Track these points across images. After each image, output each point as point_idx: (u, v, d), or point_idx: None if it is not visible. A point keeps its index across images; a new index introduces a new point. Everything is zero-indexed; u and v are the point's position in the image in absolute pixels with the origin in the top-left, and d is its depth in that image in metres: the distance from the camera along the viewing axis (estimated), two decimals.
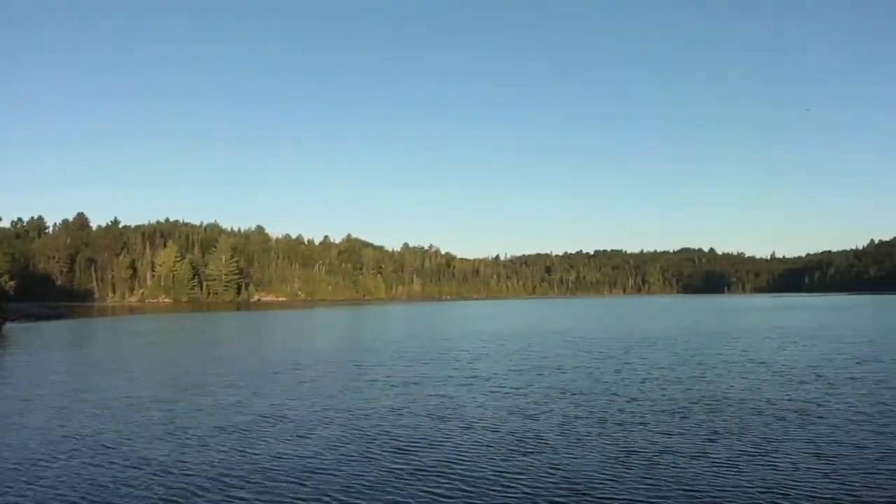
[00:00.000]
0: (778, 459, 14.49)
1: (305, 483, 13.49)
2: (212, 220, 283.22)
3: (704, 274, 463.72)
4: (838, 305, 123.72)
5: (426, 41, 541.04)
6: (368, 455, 15.52)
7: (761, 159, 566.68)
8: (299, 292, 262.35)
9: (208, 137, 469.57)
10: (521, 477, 13.63)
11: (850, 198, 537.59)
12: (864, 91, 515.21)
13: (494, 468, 14.29)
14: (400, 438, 17.09)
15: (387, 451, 15.84)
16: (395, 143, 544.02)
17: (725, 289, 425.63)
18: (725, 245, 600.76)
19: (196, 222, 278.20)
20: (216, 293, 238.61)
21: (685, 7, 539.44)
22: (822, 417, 18.69)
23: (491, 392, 24.45)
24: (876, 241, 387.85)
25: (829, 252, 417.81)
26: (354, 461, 15.03)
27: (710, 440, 16.29)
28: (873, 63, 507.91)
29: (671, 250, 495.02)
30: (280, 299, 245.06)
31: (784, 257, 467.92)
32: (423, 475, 13.88)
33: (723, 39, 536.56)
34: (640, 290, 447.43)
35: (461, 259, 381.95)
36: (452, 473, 13.97)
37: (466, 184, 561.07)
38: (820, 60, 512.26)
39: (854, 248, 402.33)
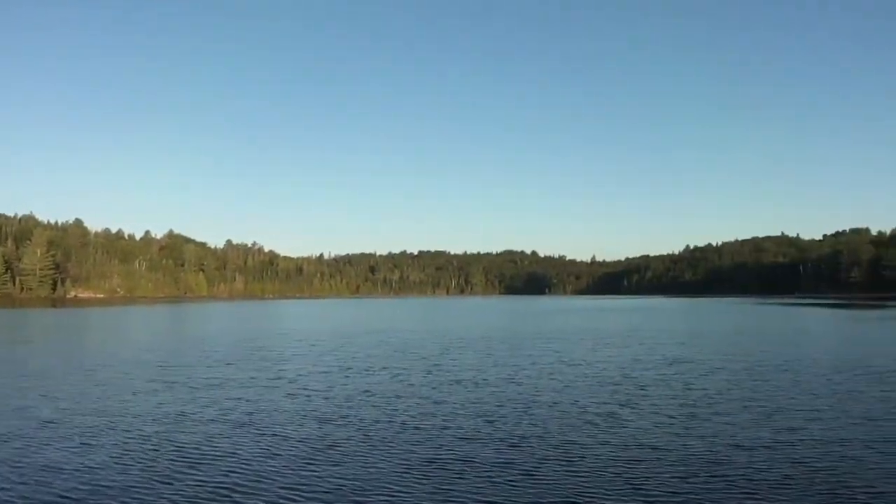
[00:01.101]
0: (580, 465, 14.04)
1: (73, 496, 12.22)
2: (27, 212, 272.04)
3: (526, 275, 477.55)
4: (654, 307, 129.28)
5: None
6: (148, 466, 14.15)
7: (581, 166, 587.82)
8: (118, 289, 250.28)
9: (23, 125, 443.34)
10: (304, 489, 12.58)
11: (669, 205, 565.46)
12: (678, 100, 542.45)
13: (279, 480, 13.15)
14: (185, 447, 15.75)
15: (168, 461, 14.53)
16: (218, 137, 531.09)
17: (547, 290, 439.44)
18: (548, 248, 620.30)
19: (10, 214, 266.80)
20: (30, 289, 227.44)
21: None
22: (628, 420, 18.56)
23: (291, 395, 23.25)
24: (691, 247, 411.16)
25: (648, 256, 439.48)
26: (132, 473, 13.66)
27: (515, 446, 15.70)
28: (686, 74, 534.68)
29: (494, 252, 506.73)
30: (98, 296, 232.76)
31: (604, 261, 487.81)
32: (201, 487, 12.66)
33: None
34: (463, 291, 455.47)
35: (285, 257, 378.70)
36: (233, 485, 12.79)
37: (290, 181, 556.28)
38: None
39: (671, 252, 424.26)
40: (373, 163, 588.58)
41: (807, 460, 14.30)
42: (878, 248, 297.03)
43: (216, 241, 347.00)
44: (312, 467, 14.07)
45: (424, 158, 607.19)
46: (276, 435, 16.98)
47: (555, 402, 21.41)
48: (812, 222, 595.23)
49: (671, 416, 18.96)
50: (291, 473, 13.62)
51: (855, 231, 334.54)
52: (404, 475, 13.50)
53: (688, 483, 12.80)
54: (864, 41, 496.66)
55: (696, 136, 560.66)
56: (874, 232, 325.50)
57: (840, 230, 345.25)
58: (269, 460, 14.66)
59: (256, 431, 17.41)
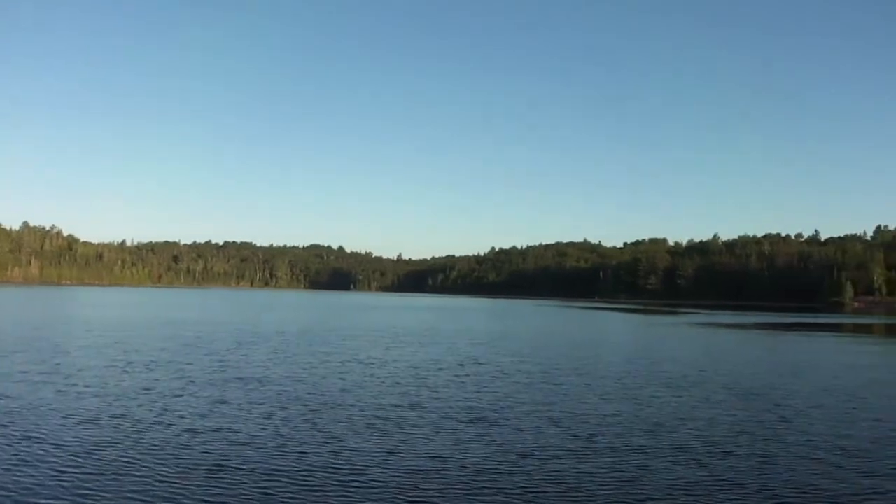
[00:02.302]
0: (357, 475, 13.05)
1: None
2: None
3: (332, 271, 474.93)
4: (455, 307, 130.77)
5: None
6: None
7: (388, 164, 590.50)
8: None
9: None
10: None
11: (475, 207, 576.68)
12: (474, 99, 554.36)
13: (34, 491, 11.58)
14: None
15: None
16: (17, 113, 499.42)
17: (352, 286, 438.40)
18: (354, 244, 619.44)
19: None
20: None
21: None
22: (414, 425, 17.75)
23: (61, 391, 21.30)
24: (496, 249, 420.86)
25: (453, 256, 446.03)
26: None
27: (290, 452, 14.54)
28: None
29: (301, 246, 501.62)
30: None
31: (410, 259, 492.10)
32: None
33: None
34: (267, 284, 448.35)
35: (84, 243, 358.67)
36: None
37: (91, 160, 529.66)
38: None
39: (476, 254, 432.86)
40: (178, 149, 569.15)
41: (596, 470, 13.91)
42: (673, 258, 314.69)
43: (12, 223, 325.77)
44: (69, 476, 12.47)
45: (230, 149, 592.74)
46: (32, 438, 15.09)
47: (340, 404, 20.36)
48: (614, 230, 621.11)
49: (460, 422, 18.27)
50: (40, 484, 11.96)
51: (653, 241, 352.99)
52: (171, 483, 12.16)
53: (469, 497, 12.03)
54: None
55: (498, 141, 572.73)
56: (671, 242, 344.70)
57: (639, 239, 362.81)
58: (23, 468, 12.88)
59: (14, 435, 15.42)
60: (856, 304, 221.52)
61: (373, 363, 31.55)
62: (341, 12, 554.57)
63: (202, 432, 16.18)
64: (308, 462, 13.94)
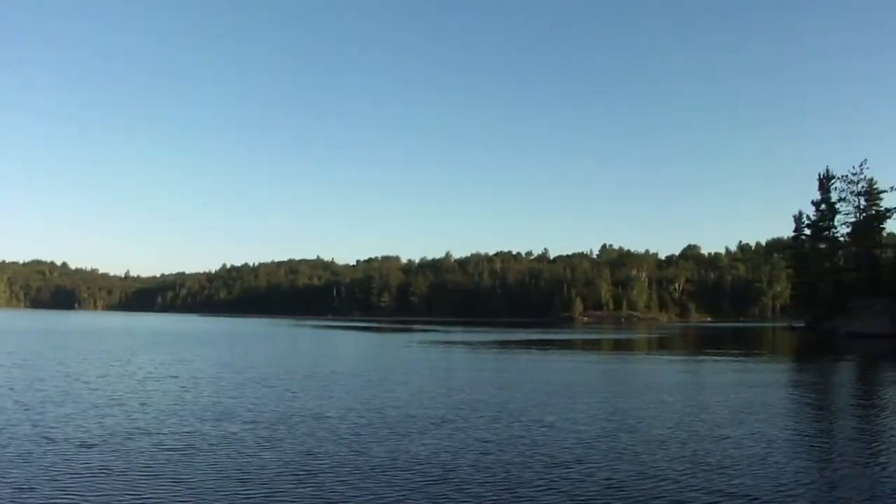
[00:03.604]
0: None
1: None
2: None
3: (55, 288, 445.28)
4: (168, 330, 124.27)
5: None
6: None
7: (109, 178, 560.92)
8: None
9: None
10: None
11: (206, 225, 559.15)
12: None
13: None
14: None
15: None
16: None
17: (77, 305, 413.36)
18: (80, 260, 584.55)
19: None
20: None
21: None
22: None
23: None
24: (228, 266, 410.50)
25: (183, 274, 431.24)
26: None
27: None
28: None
29: (21, 261, 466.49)
30: None
31: (139, 276, 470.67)
32: None
33: None
34: None
35: None
36: None
37: None
38: None
39: (207, 271, 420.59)
40: None
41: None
42: (407, 275, 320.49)
43: None
44: None
45: None
46: None
47: None
48: (346, 247, 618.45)
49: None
50: None
51: (386, 258, 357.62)
52: None
53: None
54: None
55: (223, 153, 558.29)
56: (404, 260, 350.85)
57: (373, 256, 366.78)
58: None
59: None
60: (585, 319, 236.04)
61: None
62: None
63: None
64: None
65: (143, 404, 24.44)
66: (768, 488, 14.04)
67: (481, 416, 22.48)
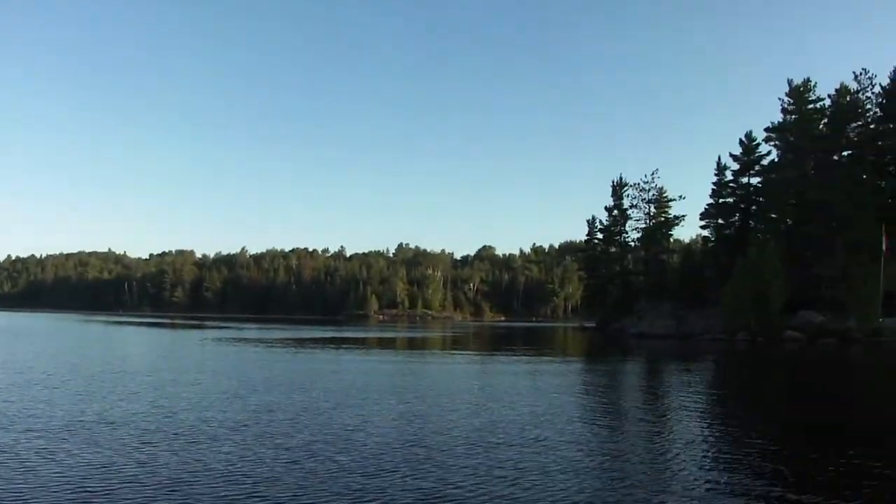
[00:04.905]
0: None
1: None
2: None
3: None
4: None
5: None
6: None
7: None
8: None
9: None
10: None
11: None
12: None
13: None
14: None
15: None
16: None
17: None
18: None
19: None
20: None
21: None
22: None
23: None
24: (13, 258, 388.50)
25: None
26: None
27: None
28: None
29: None
30: None
31: None
32: None
33: None
34: None
35: None
36: None
37: None
38: None
39: None
40: None
41: None
42: (201, 270, 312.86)
43: None
44: None
45: None
46: None
47: None
48: (140, 240, 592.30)
49: None
50: None
51: (180, 252, 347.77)
52: None
53: None
54: None
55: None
56: (199, 255, 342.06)
57: (166, 251, 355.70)
58: None
59: None
60: (380, 317, 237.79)
61: None
62: None
63: None
64: None
65: None
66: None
67: (279, 420, 22.02)
